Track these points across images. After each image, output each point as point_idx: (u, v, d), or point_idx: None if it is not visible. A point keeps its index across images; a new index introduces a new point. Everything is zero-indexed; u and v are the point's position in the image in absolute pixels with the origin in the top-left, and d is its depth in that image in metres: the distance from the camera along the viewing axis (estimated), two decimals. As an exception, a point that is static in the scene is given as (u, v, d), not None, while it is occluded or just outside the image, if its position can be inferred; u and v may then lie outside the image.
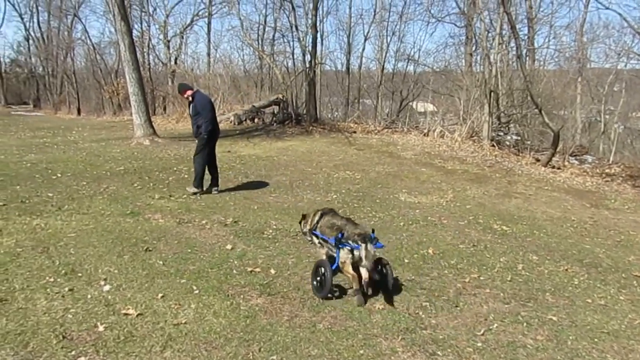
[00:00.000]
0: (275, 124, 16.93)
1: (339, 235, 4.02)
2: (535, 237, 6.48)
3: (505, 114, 13.96)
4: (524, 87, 13.68)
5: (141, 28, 28.99)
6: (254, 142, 13.72)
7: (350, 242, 3.95)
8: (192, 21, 31.07)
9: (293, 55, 20.28)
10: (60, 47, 33.69)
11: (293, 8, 17.23)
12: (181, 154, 11.56)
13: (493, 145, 12.44)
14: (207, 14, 30.12)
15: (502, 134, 14.60)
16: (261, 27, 27.31)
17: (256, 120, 18.22)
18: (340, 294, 4.11)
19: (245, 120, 18.23)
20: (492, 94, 12.43)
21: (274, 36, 28.05)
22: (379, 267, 4.11)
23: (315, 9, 16.36)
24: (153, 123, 13.76)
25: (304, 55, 16.95)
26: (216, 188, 7.89)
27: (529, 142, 13.41)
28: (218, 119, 8.02)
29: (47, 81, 35.80)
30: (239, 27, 29.01)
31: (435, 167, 10.98)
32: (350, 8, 21.73)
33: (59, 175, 8.48)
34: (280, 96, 19.88)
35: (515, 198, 8.80)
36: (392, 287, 4.08)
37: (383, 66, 20.67)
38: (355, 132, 15.36)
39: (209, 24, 30.02)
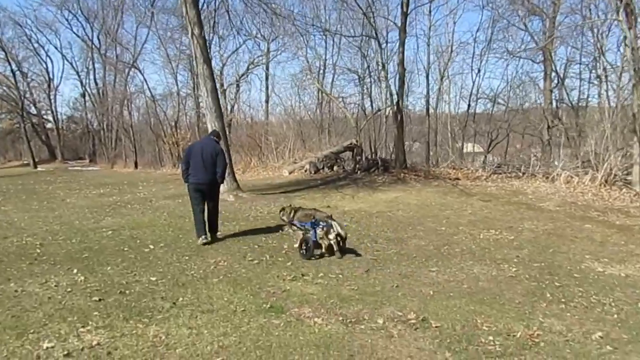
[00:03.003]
0: (359, 172, 15.17)
1: (313, 220, 6.23)
2: None
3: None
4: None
5: (194, 78, 28.50)
6: (349, 194, 11.92)
7: (322, 222, 6.17)
8: (248, 69, 30.57)
9: (371, 97, 18.76)
10: (115, 100, 33.78)
11: (380, 45, 15.80)
12: (274, 212, 9.85)
13: (652, 192, 10.15)
14: (264, 60, 29.54)
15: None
16: (321, 70, 26.38)
17: (335, 168, 16.54)
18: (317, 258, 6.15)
19: (323, 168, 16.59)
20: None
21: (333, 79, 27.03)
22: (339, 238, 6.19)
23: (403, 44, 14.85)
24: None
25: (391, 95, 15.30)
26: (212, 234, 7.18)
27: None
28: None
29: (102, 135, 35.86)
30: (300, 72, 28.32)
31: (600, 223, 8.77)
32: (428, 45, 19.85)
33: (152, 246, 6.84)
34: (354, 141, 18.32)
35: None
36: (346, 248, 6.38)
37: (469, 106, 18.78)
38: (458, 178, 13.36)
39: (267, 70, 29.36)
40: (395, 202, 10.63)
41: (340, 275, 5.63)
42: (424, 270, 5.92)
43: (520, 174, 12.92)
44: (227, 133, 26.49)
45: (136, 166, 28.64)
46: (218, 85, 28.55)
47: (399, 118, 15.01)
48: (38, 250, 6.62)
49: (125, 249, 6.71)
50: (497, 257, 6.63)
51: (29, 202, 12.24)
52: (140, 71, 31.04)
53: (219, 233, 7.38)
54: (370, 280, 5.51)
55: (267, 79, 29.39)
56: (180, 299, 4.73)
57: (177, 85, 27.95)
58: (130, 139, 30.82)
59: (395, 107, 15.03)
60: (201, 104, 18.04)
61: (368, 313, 4.49)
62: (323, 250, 6.26)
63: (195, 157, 6.95)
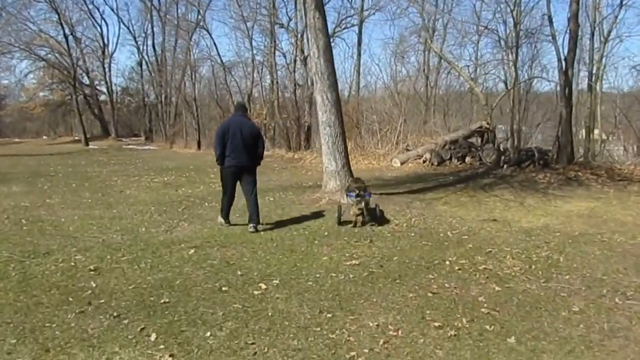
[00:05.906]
0: (505, 166, 12.68)
1: (347, 189, 7.87)
2: None
3: None
4: None
5: (272, 42, 26.80)
6: (511, 200, 9.55)
7: (350, 192, 7.54)
8: (334, 32, 28.54)
9: (509, 67, 16.04)
10: (176, 69, 33.02)
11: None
12: (417, 225, 7.73)
13: None
14: (355, 21, 27.33)
15: None
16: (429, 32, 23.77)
17: (468, 159, 14.12)
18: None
19: (450, 158, 14.23)
20: None
21: (443, 43, 24.40)
22: (376, 207, 7.78)
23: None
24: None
25: (564, 63, 12.47)
26: (252, 225, 7.10)
27: None
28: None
29: (160, 110, 35.41)
30: (407, 33, 25.85)
31: None
32: (577, 3, 16.52)
33: (263, 285, 4.92)
34: (485, 123, 15.83)
35: None
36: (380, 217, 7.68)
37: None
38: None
39: (359, 33, 27.15)
40: (596, 218, 8.13)
41: None
42: None
43: None
44: (308, 109, 24.98)
45: (199, 146, 27.66)
46: (298, 53, 26.99)
47: (566, 94, 12.30)
48: (92, 283, 4.92)
49: (224, 287, 4.84)
50: None
51: (79, 193, 10.98)
52: (208, 32, 29.91)
53: (260, 226, 7.27)
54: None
55: (359, 42, 27.16)
56: None
57: (252, 50, 26.34)
58: (192, 114, 29.93)
59: (563, 78, 12.30)
60: (309, 67, 16.26)
61: None
62: (354, 219, 7.39)
63: (233, 137, 7.03)
